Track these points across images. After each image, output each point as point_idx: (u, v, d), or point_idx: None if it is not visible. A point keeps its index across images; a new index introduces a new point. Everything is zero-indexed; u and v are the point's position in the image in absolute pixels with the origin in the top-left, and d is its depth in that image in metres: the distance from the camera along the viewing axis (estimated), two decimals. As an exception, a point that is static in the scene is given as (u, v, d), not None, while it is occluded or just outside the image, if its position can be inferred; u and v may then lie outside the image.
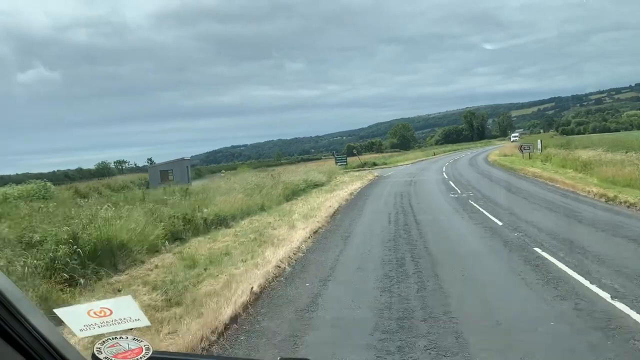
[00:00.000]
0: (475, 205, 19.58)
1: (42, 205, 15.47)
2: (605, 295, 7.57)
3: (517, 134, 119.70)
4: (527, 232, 13.24)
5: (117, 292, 9.13)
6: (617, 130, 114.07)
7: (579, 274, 8.82)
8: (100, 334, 1.55)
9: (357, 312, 7.60)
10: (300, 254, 11.99)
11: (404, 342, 6.28)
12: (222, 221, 16.53)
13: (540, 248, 11.07)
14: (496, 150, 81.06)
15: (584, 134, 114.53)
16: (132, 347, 1.56)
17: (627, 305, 7.09)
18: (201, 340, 6.38)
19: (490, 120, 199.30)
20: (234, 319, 7.33)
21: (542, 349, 5.87)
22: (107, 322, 1.53)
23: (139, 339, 1.58)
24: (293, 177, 31.49)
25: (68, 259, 9.28)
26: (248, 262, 10.63)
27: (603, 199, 19.06)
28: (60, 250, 9.36)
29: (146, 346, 1.57)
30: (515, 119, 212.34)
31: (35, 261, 8.84)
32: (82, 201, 19.48)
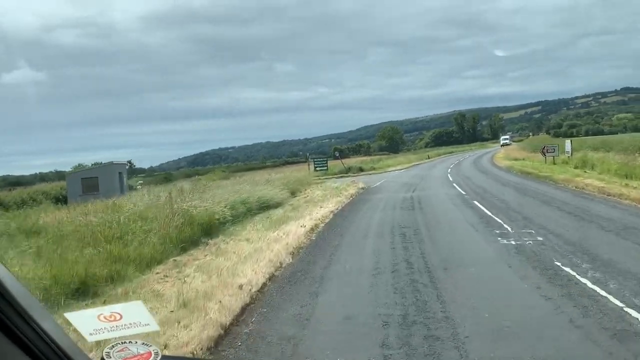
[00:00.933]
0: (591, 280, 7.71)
1: None
2: None
3: (507, 137, 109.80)
4: None
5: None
6: (612, 133, 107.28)
7: None
8: (110, 339, 1.48)
9: None
10: None
11: None
12: None
13: None
14: (498, 153, 69.64)
15: (576, 136, 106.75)
16: (141, 352, 1.51)
17: None
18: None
19: (480, 123, 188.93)
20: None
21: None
22: (116, 326, 1.49)
23: (147, 343, 1.51)
24: (230, 194, 19.40)
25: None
26: None
27: None
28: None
29: (155, 351, 1.50)
30: (502, 122, 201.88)
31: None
32: None
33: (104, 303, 7.28)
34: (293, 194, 25.67)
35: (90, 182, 35.64)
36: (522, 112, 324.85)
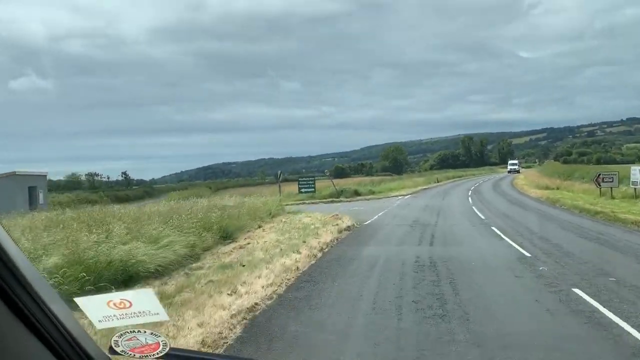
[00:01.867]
0: None
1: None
2: None
3: (515, 162, 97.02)
4: None
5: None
6: (625, 162, 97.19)
7: None
8: (118, 327, 1.43)
9: None
10: None
11: None
12: None
13: None
14: (515, 179, 58.59)
15: (587, 164, 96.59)
16: (149, 342, 1.46)
17: None
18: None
19: (486, 147, 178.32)
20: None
21: None
22: (126, 314, 1.43)
23: (156, 334, 1.46)
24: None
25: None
26: None
27: None
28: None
29: (163, 342, 1.45)
30: (511, 147, 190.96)
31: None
32: None
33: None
34: (225, 238, 14.68)
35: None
36: (528, 138, 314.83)
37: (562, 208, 24.90)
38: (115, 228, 11.14)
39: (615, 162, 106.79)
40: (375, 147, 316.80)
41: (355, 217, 22.33)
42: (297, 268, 10.49)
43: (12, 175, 29.43)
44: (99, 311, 1.44)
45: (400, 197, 37.96)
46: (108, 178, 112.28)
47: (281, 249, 12.49)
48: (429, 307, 7.50)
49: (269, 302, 8.03)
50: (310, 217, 21.63)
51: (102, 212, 15.40)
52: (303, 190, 38.38)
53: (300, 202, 36.79)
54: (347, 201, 36.80)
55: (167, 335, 5.81)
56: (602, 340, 6.03)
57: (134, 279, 9.27)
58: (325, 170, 39.40)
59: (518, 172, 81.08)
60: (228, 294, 8.07)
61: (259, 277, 9.29)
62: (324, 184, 40.91)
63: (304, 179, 39.27)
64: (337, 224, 17.88)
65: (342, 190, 38.79)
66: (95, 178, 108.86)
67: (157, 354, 1.46)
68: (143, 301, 1.47)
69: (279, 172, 27.26)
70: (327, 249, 13.30)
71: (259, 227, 17.96)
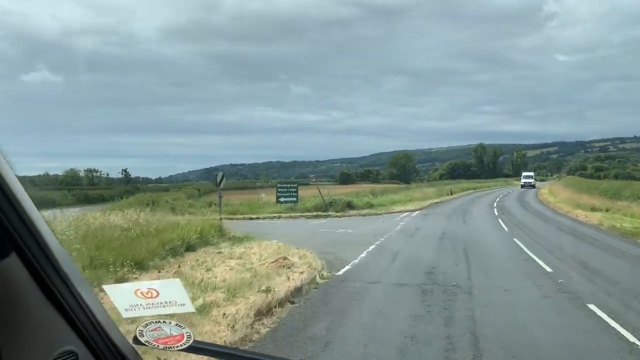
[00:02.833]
0: None
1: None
2: None
3: (531, 175, 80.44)
4: None
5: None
6: None
7: None
8: (143, 316, 1.38)
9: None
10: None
11: None
12: None
13: None
14: (543, 195, 49.08)
15: (603, 179, 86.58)
16: (174, 333, 1.42)
17: None
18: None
19: (501, 158, 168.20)
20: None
21: None
22: (152, 304, 1.38)
23: (181, 325, 1.42)
24: None
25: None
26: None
27: None
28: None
29: (187, 334, 1.41)
30: (526, 158, 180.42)
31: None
32: None
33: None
34: None
35: None
36: (539, 151, 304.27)
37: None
38: None
39: (633, 178, 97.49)
40: (384, 154, 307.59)
41: (329, 253, 13.15)
42: None
43: None
44: (126, 300, 1.38)
45: (405, 215, 28.48)
46: (108, 175, 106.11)
47: None
48: None
49: None
50: (253, 251, 12.43)
51: None
52: (282, 199, 29.10)
53: (276, 215, 27.51)
54: (335, 216, 27.45)
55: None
56: None
57: None
58: (311, 175, 30.03)
59: (533, 186, 69.22)
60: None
61: None
62: (313, 192, 31.52)
63: (284, 185, 29.89)
64: (280, 278, 8.63)
65: (331, 202, 29.41)
66: (95, 174, 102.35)
67: (181, 345, 1.40)
68: (170, 291, 1.40)
69: (219, 174, 17.89)
70: None
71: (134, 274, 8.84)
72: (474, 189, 70.08)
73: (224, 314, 6.50)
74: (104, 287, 1.39)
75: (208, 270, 9.98)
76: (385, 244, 16.00)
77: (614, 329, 6.93)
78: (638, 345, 6.21)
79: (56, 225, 11.19)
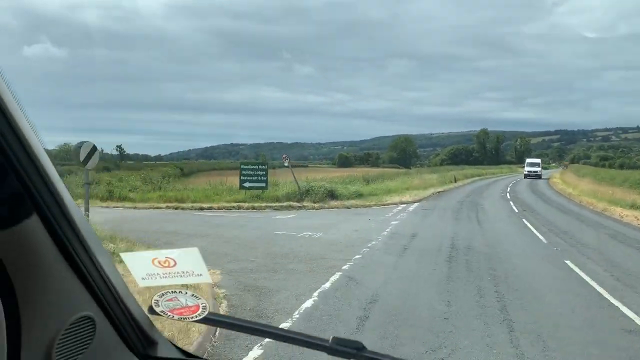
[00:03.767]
0: None
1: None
2: None
3: (537, 162, 65.18)
4: None
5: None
6: None
7: None
8: (159, 285, 1.30)
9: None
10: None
11: None
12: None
13: None
14: (557, 184, 42.78)
15: (609, 169, 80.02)
16: (189, 304, 1.36)
17: None
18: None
19: (503, 144, 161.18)
20: None
21: None
22: (169, 273, 1.32)
23: (197, 296, 1.35)
24: None
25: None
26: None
27: None
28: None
29: (203, 305, 1.35)
30: (530, 145, 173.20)
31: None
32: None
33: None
34: None
35: None
36: (540, 139, 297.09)
37: None
38: None
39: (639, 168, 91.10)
40: (385, 138, 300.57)
41: (254, 288, 6.87)
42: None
43: None
44: (143, 268, 1.32)
45: (400, 209, 22.00)
46: (102, 150, 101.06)
47: None
48: None
49: None
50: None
51: None
52: (247, 184, 22.62)
53: (235, 204, 21.16)
54: (311, 208, 21.04)
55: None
56: None
57: None
58: (283, 155, 23.21)
59: (539, 176, 56.59)
60: None
61: None
62: (287, 176, 24.98)
63: (248, 166, 23.25)
64: None
65: (308, 189, 22.92)
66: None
67: (196, 316, 1.36)
68: (188, 261, 1.34)
69: (83, 145, 11.36)
70: None
71: None
72: (479, 175, 63.37)
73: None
74: (122, 255, 1.31)
75: None
76: (359, 269, 9.54)
77: None
78: None
79: None
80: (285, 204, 21.50)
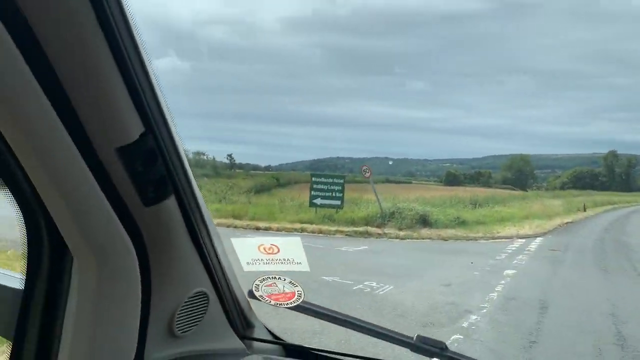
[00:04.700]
0: None
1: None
2: None
3: None
4: None
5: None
6: None
7: None
8: (262, 271, 1.38)
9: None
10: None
11: None
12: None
13: None
14: None
15: None
16: (287, 291, 1.41)
17: None
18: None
19: (636, 168, 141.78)
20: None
21: None
22: (272, 259, 1.39)
23: (294, 283, 1.41)
24: None
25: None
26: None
27: None
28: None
29: (299, 292, 1.40)
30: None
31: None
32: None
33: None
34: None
35: None
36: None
37: None
38: None
39: None
40: (498, 157, 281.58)
41: None
42: None
43: None
44: (249, 254, 1.39)
45: (518, 247, 15.95)
46: (214, 158, 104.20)
47: None
48: None
49: None
50: None
51: None
52: (318, 201, 17.99)
53: (299, 225, 16.63)
54: (395, 237, 15.86)
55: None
56: None
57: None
58: (363, 167, 18.00)
59: None
60: None
61: None
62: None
63: (321, 179, 18.56)
64: None
65: (394, 212, 17.69)
66: (202, 157, 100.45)
67: (290, 303, 1.40)
68: (290, 249, 1.41)
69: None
70: None
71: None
72: (610, 204, 53.25)
73: None
74: (232, 240, 1.36)
75: None
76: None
77: None
78: None
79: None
80: (361, 229, 16.53)
